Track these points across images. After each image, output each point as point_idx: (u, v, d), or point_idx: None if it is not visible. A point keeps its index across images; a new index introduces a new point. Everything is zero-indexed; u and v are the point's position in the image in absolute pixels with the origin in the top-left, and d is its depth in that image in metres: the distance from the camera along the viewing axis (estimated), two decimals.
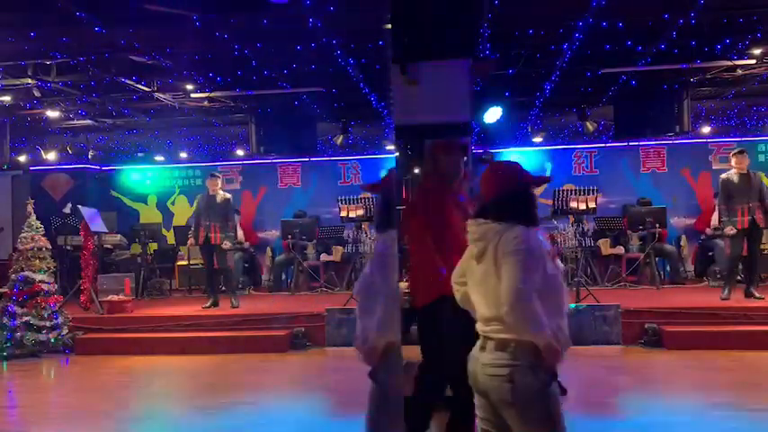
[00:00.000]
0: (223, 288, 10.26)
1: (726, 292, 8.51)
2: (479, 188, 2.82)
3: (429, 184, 4.03)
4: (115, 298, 9.42)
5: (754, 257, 8.67)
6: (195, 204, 9.83)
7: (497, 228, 2.64)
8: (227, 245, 9.24)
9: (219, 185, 9.55)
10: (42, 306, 8.36)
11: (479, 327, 2.70)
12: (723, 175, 8.84)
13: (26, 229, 8.79)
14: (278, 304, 10.00)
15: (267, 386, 6.76)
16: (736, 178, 8.51)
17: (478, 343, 2.70)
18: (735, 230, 8.39)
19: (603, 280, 11.00)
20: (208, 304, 9.28)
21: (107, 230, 10.92)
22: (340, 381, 6.83)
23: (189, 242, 9.64)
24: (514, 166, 2.84)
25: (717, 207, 11.06)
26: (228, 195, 9.69)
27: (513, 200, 2.70)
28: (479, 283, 2.69)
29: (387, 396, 2.80)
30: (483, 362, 2.62)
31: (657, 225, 10.84)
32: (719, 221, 8.86)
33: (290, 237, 11.45)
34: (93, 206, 10.91)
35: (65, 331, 8.50)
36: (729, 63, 9.63)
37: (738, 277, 9.53)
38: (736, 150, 8.91)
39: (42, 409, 5.99)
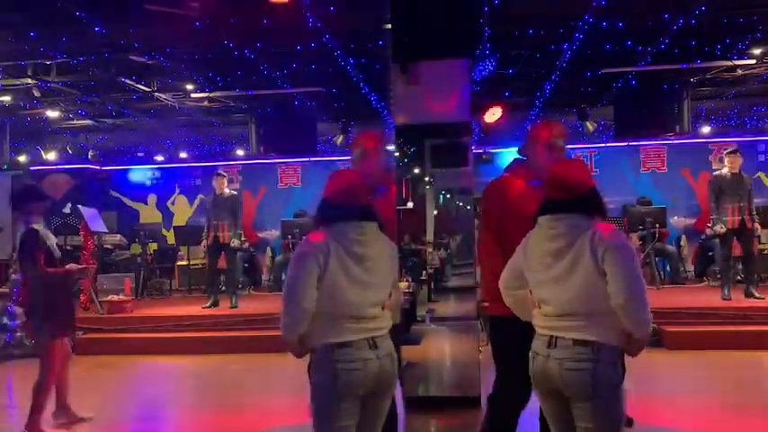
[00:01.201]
0: (223, 288, 10.25)
1: (725, 291, 8.50)
2: (550, 183, 2.78)
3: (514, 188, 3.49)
4: (115, 298, 9.41)
5: (752, 257, 8.66)
6: (197, 203, 9.83)
7: (586, 222, 2.66)
8: (235, 243, 9.23)
9: (226, 184, 9.54)
10: None
11: (547, 323, 2.67)
12: (715, 173, 8.83)
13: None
14: (278, 304, 9.92)
15: (267, 386, 6.75)
16: (727, 177, 8.48)
17: (542, 340, 2.68)
18: (724, 229, 8.37)
19: None
20: (208, 304, 9.28)
21: (107, 230, 10.91)
22: None
23: (202, 243, 9.56)
24: (583, 164, 2.96)
25: None
26: (235, 192, 9.69)
27: (594, 194, 2.76)
28: (557, 280, 2.63)
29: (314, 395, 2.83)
30: (558, 356, 2.60)
31: (657, 225, 10.84)
32: (709, 219, 8.82)
33: (290, 237, 11.45)
34: (93, 206, 10.90)
35: None
36: (729, 63, 9.64)
37: (738, 277, 9.52)
38: (729, 150, 8.89)
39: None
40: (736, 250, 8.76)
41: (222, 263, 9.54)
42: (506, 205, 3.40)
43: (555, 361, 2.60)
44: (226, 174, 9.88)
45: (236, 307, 9.25)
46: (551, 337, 2.64)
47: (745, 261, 8.82)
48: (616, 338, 2.58)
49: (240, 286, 11.66)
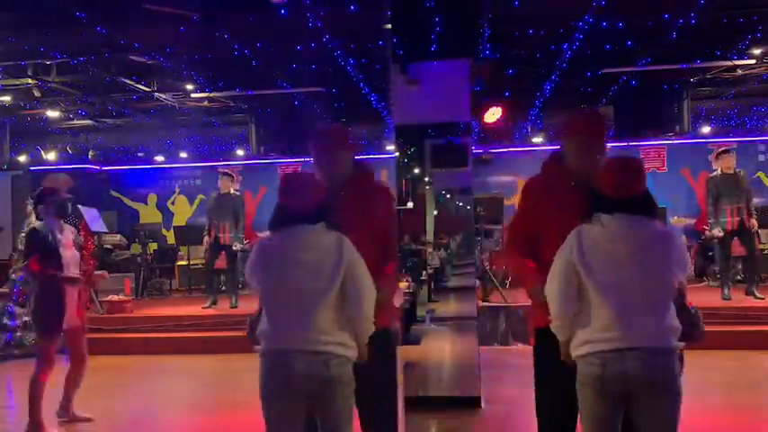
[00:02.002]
0: (223, 288, 10.24)
1: (725, 291, 8.50)
2: (604, 181, 2.63)
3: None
4: (115, 298, 9.41)
5: (754, 257, 8.64)
6: (198, 203, 9.81)
7: (649, 222, 2.62)
8: (237, 246, 9.19)
9: (231, 184, 9.47)
10: None
11: (617, 323, 2.53)
12: (710, 176, 8.81)
13: (26, 229, 8.79)
14: None
15: None
16: (722, 178, 8.45)
17: (617, 343, 2.52)
18: (722, 233, 8.34)
19: None
20: (207, 304, 9.28)
21: (107, 230, 10.91)
22: None
23: (204, 241, 9.51)
24: (642, 162, 2.81)
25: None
26: (238, 193, 9.65)
27: (649, 194, 2.68)
28: (634, 282, 2.53)
29: None
30: (643, 356, 2.50)
31: None
32: (707, 222, 8.79)
33: None
34: (93, 206, 10.91)
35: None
36: (729, 63, 9.65)
37: (738, 277, 9.51)
38: (719, 150, 8.83)
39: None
40: (737, 250, 8.74)
41: (221, 263, 9.52)
42: (545, 209, 3.00)
43: (636, 358, 2.51)
44: (233, 174, 9.81)
45: (236, 307, 9.24)
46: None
47: (747, 261, 8.79)
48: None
49: (240, 286, 11.66)
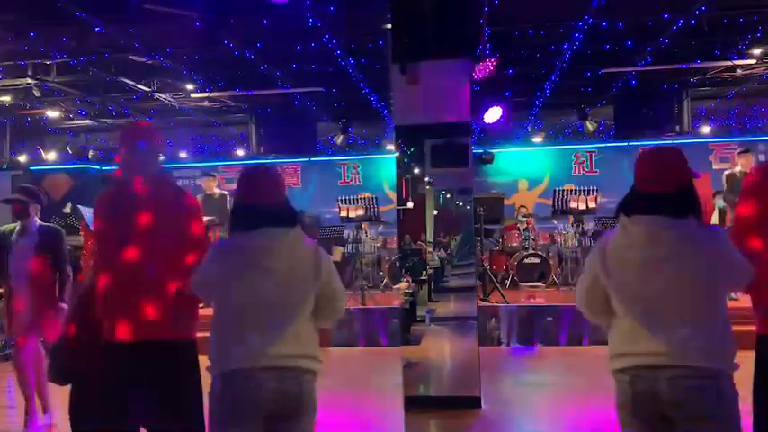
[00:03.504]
0: None
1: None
2: (640, 177, 2.37)
3: None
4: None
5: None
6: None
7: (681, 223, 2.27)
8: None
9: (216, 185, 9.60)
10: None
11: (648, 338, 2.28)
12: (727, 172, 8.82)
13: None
14: None
15: None
16: (740, 177, 8.48)
17: (643, 360, 2.29)
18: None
19: None
20: (203, 304, 9.30)
21: None
22: (340, 381, 6.83)
23: None
24: (681, 152, 2.41)
25: (716, 207, 11.09)
26: (225, 192, 9.72)
27: (693, 191, 2.34)
28: (666, 292, 2.24)
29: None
30: (676, 375, 2.22)
31: None
32: (726, 217, 8.75)
33: None
34: (93, 206, 10.89)
35: None
36: (729, 63, 9.64)
37: None
38: (740, 150, 8.89)
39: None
40: None
41: None
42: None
43: (668, 380, 2.22)
44: (215, 174, 9.94)
45: None
46: (658, 354, 2.26)
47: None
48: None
49: None
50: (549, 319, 8.18)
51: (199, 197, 9.69)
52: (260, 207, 2.44)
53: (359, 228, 11.39)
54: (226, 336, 2.39)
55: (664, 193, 2.29)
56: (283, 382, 2.35)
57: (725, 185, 8.60)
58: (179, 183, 14.48)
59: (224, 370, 2.36)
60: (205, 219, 9.31)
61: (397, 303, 7.99)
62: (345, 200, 11.03)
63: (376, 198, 10.70)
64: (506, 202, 11.31)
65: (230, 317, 2.39)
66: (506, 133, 12.18)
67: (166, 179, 3.22)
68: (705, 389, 2.19)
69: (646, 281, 2.26)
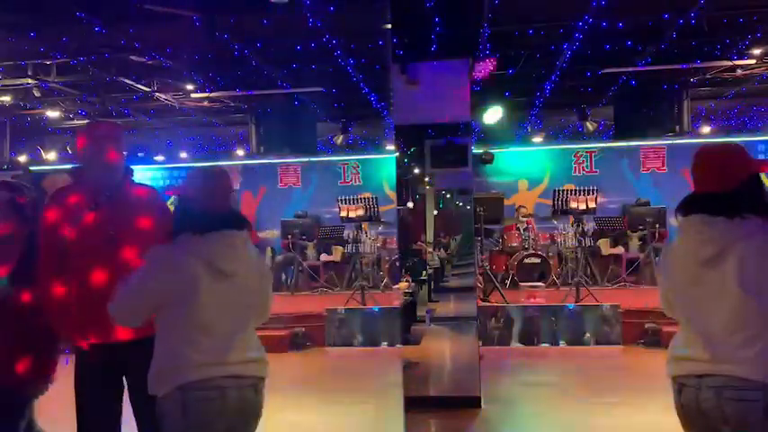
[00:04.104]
0: None
1: None
2: (694, 177, 2.29)
3: None
4: None
5: None
6: None
7: (740, 224, 2.12)
8: None
9: None
10: None
11: (697, 344, 2.17)
12: None
13: None
14: (278, 304, 9.95)
15: (267, 386, 6.75)
16: None
17: (689, 367, 2.19)
18: None
19: (603, 280, 11.00)
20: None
21: None
22: (340, 381, 6.83)
23: None
24: (742, 148, 2.28)
25: None
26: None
27: (753, 189, 2.20)
28: (714, 296, 2.12)
29: None
30: (719, 384, 2.09)
31: (657, 225, 10.85)
32: None
33: (290, 237, 11.46)
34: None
35: None
36: (729, 63, 9.65)
37: None
38: None
39: (42, 409, 5.98)
40: None
41: None
42: None
43: (710, 390, 2.10)
44: None
45: None
46: (703, 362, 2.16)
47: None
48: None
49: None
50: (548, 319, 8.18)
51: None
52: (215, 210, 2.34)
53: (359, 228, 11.39)
54: (185, 345, 2.25)
55: (717, 193, 2.19)
56: (243, 392, 2.30)
57: None
58: (179, 183, 14.51)
59: (184, 382, 2.22)
60: None
61: (397, 303, 7.99)
62: (345, 200, 11.02)
63: (376, 198, 10.69)
64: (506, 202, 11.30)
65: (190, 324, 2.25)
66: (506, 133, 12.18)
67: (130, 178, 3.15)
68: (750, 401, 2.04)
69: (696, 283, 2.16)
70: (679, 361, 2.24)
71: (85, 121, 12.81)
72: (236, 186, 13.90)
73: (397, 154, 5.94)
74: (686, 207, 2.27)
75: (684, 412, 2.23)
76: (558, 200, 10.00)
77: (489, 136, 11.90)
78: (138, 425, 2.89)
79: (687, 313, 2.22)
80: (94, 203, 2.79)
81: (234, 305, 2.30)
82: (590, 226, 11.01)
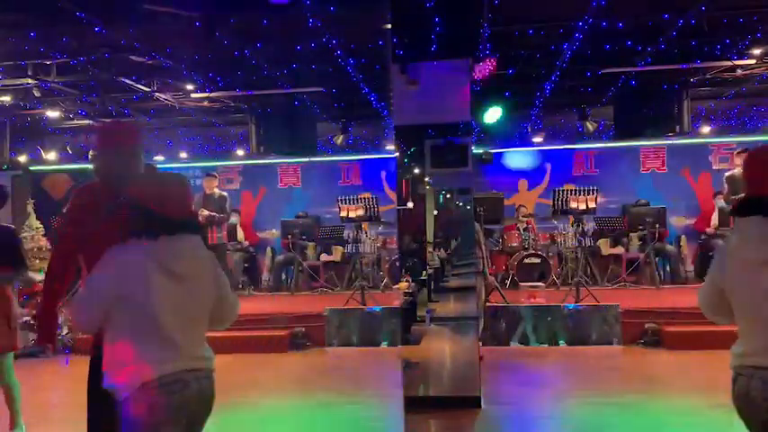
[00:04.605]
0: None
1: None
2: (748, 179, 2.36)
3: None
4: None
5: None
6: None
7: None
8: (204, 213, 9.31)
9: (216, 184, 9.63)
10: None
11: (755, 339, 2.28)
12: (728, 173, 8.81)
13: (26, 229, 8.79)
14: (278, 304, 10.00)
15: (267, 386, 6.76)
16: (740, 177, 8.47)
17: (748, 359, 2.29)
18: None
19: (603, 280, 11.00)
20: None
21: None
22: (340, 381, 6.83)
23: None
24: None
25: (716, 207, 11.10)
26: (225, 193, 9.74)
27: None
28: (758, 300, 2.24)
29: None
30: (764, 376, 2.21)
31: (657, 225, 10.85)
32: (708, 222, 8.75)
33: (290, 237, 11.46)
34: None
35: (65, 331, 8.50)
36: (729, 63, 9.64)
37: None
38: (739, 150, 8.89)
39: (42, 409, 5.98)
40: None
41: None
42: None
43: (759, 380, 2.21)
44: (216, 175, 9.97)
45: None
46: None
47: None
48: None
49: (240, 286, 11.67)
50: (548, 319, 8.18)
51: (197, 196, 9.74)
52: (169, 214, 2.43)
53: (359, 228, 11.39)
54: (143, 345, 2.34)
55: None
56: (201, 383, 2.43)
57: (726, 187, 8.58)
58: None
59: (147, 380, 2.30)
60: (206, 212, 9.36)
61: (397, 303, 7.99)
62: (345, 200, 11.02)
63: (376, 198, 10.69)
64: (506, 202, 11.31)
65: (147, 324, 2.34)
66: (506, 133, 12.17)
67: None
68: None
69: (756, 281, 2.24)
70: (737, 355, 2.34)
71: (87, 122, 12.82)
72: (237, 186, 13.93)
73: (397, 154, 5.94)
74: (745, 209, 2.33)
75: (737, 401, 2.31)
76: (558, 200, 10.00)
77: (489, 136, 11.89)
78: None
79: (746, 309, 2.29)
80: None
81: (186, 306, 2.41)
82: (590, 226, 11.01)
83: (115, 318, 2.37)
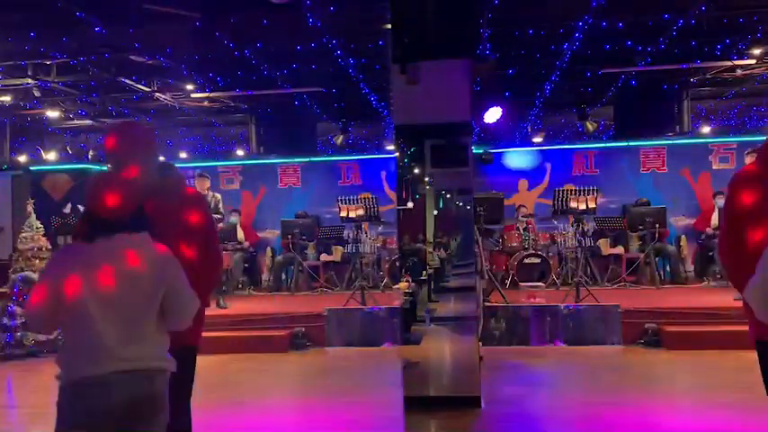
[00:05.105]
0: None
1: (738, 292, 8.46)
2: None
3: None
4: None
5: None
6: None
7: None
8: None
9: (209, 185, 9.63)
10: None
11: None
12: (736, 172, 8.82)
13: (26, 229, 8.79)
14: (278, 304, 9.99)
15: (267, 386, 6.75)
16: None
17: None
18: None
19: (603, 280, 11.00)
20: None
21: None
22: (340, 381, 6.83)
23: None
24: None
25: (716, 207, 11.09)
26: (218, 195, 9.74)
27: None
28: None
29: None
30: None
31: (657, 225, 10.85)
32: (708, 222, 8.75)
33: (290, 237, 11.45)
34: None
35: None
36: (729, 63, 9.64)
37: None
38: (749, 150, 8.92)
39: (42, 409, 5.98)
40: None
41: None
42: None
43: None
44: (207, 175, 9.97)
45: (224, 307, 9.21)
46: None
47: None
48: None
49: (240, 286, 11.67)
50: (549, 319, 8.18)
51: None
52: (106, 215, 2.46)
53: (359, 228, 11.39)
54: (75, 343, 2.42)
55: None
56: (136, 385, 2.39)
57: None
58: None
59: (74, 378, 2.37)
60: None
61: (397, 303, 7.99)
62: (345, 200, 11.02)
63: (376, 198, 10.69)
64: (506, 202, 11.30)
65: (79, 324, 2.39)
66: (506, 133, 12.18)
67: (167, 173, 3.18)
68: None
69: None
70: None
71: (87, 122, 12.83)
72: (236, 186, 13.94)
73: (397, 154, 5.93)
74: None
75: None
76: (558, 200, 10.01)
77: (489, 136, 11.89)
78: None
79: None
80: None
81: (120, 306, 2.40)
82: (590, 226, 11.01)
83: (60, 319, 2.44)
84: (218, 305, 9.24)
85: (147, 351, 2.45)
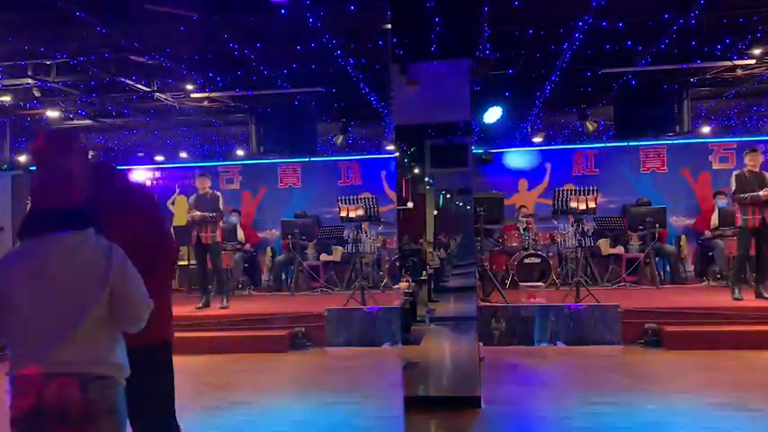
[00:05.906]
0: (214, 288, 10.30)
1: (737, 292, 8.45)
2: None
3: None
4: None
5: (766, 258, 8.51)
6: (187, 205, 9.99)
7: None
8: (196, 214, 9.34)
9: (209, 184, 9.70)
10: None
11: None
12: (736, 171, 8.81)
13: None
14: (278, 304, 10.00)
15: (267, 386, 6.75)
16: (748, 175, 8.47)
17: None
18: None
19: (603, 280, 11.00)
20: (200, 305, 9.31)
21: None
22: (340, 381, 6.83)
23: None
24: None
25: (717, 207, 11.09)
26: (218, 193, 9.78)
27: None
28: None
29: None
30: None
31: (657, 225, 10.85)
32: (737, 214, 8.63)
33: (290, 237, 11.46)
34: None
35: None
36: (729, 63, 9.63)
37: (741, 275, 9.49)
38: (749, 149, 8.91)
39: None
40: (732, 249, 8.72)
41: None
42: None
43: None
44: (208, 174, 10.03)
45: (226, 307, 9.23)
46: None
47: (760, 261, 8.61)
48: None
49: (240, 286, 11.67)
50: (549, 319, 8.18)
51: (192, 196, 9.80)
52: (44, 212, 2.42)
53: (359, 228, 11.39)
54: (13, 342, 2.42)
55: None
56: (65, 390, 2.31)
57: (734, 185, 8.56)
58: (179, 183, 14.50)
59: (13, 375, 2.39)
60: (199, 213, 9.39)
61: (397, 303, 8.00)
62: (345, 200, 11.02)
63: (376, 198, 10.70)
64: (506, 202, 11.31)
65: (15, 324, 2.37)
66: (506, 133, 12.17)
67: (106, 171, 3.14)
68: None
69: None
70: None
71: (87, 122, 12.82)
72: (236, 186, 13.94)
73: (397, 154, 5.94)
74: None
75: None
76: (558, 200, 10.01)
77: (489, 136, 11.89)
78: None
79: None
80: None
81: (55, 306, 2.35)
82: (590, 226, 11.02)
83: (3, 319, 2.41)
84: (221, 306, 9.25)
85: (84, 354, 2.36)
